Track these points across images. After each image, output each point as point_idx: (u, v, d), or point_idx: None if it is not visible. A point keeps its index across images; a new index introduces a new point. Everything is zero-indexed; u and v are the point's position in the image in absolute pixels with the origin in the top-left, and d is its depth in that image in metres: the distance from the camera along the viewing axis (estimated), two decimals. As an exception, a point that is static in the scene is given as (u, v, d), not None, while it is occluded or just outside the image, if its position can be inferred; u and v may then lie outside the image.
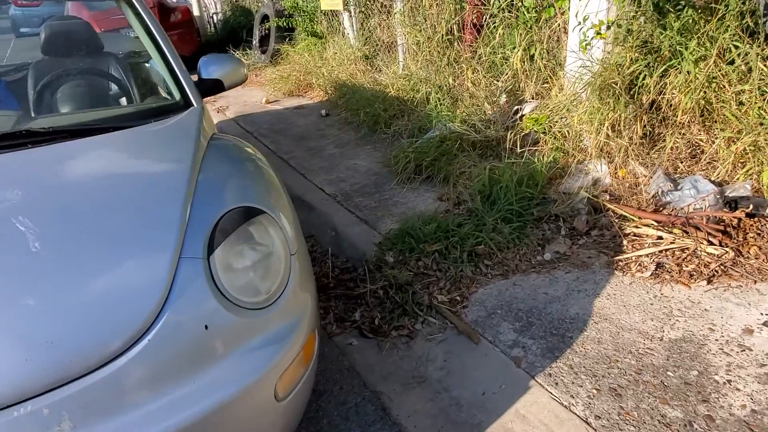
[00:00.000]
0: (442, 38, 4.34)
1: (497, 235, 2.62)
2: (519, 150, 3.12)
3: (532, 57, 3.48)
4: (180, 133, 1.72)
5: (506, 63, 3.70)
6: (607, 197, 2.78)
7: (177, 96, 1.96)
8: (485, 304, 2.29)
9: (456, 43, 4.30)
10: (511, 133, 3.20)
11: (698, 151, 2.88)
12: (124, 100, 2.02)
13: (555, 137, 3.08)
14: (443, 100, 4.03)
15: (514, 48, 3.54)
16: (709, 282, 2.23)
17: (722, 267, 2.28)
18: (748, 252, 2.33)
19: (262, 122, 5.10)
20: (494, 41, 3.74)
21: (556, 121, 3.10)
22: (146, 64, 2.12)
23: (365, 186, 3.39)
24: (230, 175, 1.62)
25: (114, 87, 2.07)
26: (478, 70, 3.97)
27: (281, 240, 1.51)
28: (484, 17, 4.01)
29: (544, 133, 3.12)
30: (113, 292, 1.20)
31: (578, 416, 1.72)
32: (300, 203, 3.36)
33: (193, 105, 1.95)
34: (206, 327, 1.25)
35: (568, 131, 3.03)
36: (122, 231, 1.32)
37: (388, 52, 5.33)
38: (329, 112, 5.08)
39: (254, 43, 7.99)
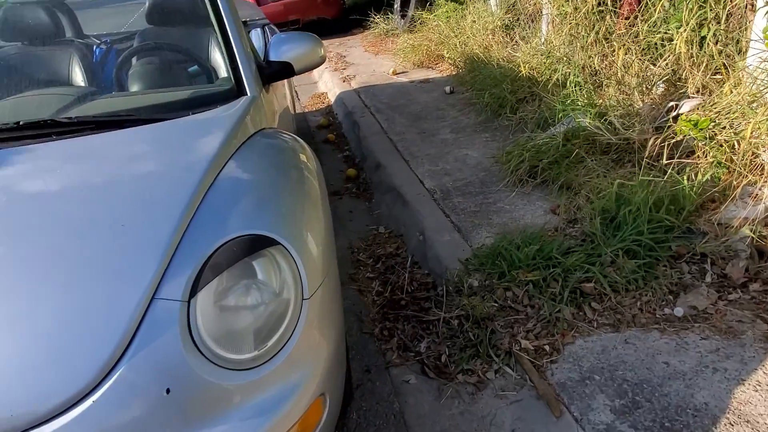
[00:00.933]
0: (593, 9, 3.64)
1: (615, 271, 2.07)
2: (665, 161, 2.46)
3: (702, 39, 2.72)
4: (213, 129, 1.47)
5: (667, 45, 2.96)
6: (782, 239, 2.07)
7: (230, 82, 1.72)
8: (580, 363, 1.80)
9: (609, 16, 3.58)
10: (657, 138, 2.54)
11: None
12: (185, 84, 1.83)
13: (719, 148, 2.37)
14: (584, 85, 3.39)
15: (680, 27, 2.79)
16: None
17: None
18: None
19: (383, 95, 4.81)
20: (655, 16, 3.00)
21: (724, 128, 2.38)
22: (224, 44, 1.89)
23: (469, 184, 2.96)
24: (251, 189, 1.34)
25: (182, 68, 1.88)
26: (631, 50, 3.25)
27: (293, 280, 1.21)
28: (649, -15, 3.24)
29: (703, 141, 2.42)
30: (62, 337, 1.00)
31: None
32: (395, 196, 3.05)
33: (246, 94, 1.70)
34: (167, 391, 1.00)
35: (738, 142, 2.31)
36: (97, 255, 1.11)
37: (531, 23, 4.69)
38: (454, 88, 4.63)
39: (395, 7, 7.68)
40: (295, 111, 3.74)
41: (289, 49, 1.89)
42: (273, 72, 1.87)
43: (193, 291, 1.09)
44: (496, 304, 2.06)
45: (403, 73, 5.51)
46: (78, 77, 1.87)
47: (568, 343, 1.89)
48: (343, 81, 5.53)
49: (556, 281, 2.08)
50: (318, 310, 1.25)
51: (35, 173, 1.29)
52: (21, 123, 1.41)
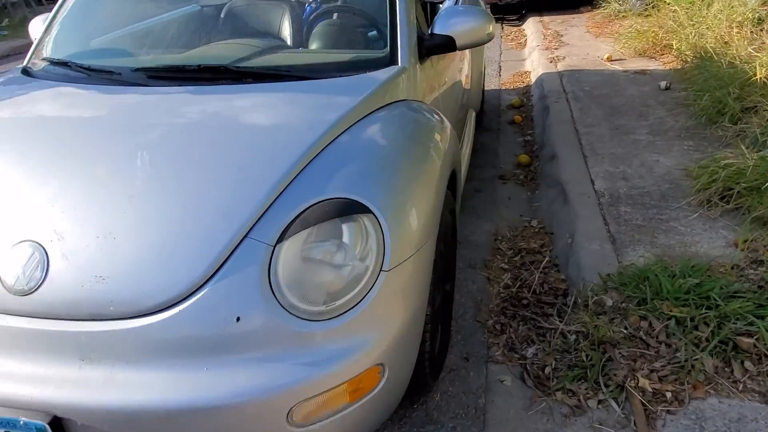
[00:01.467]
0: None
1: (789, 333, 1.69)
2: None
3: None
4: (351, 92, 1.54)
5: None
6: None
7: (385, 50, 1.77)
8: (703, 424, 1.54)
9: None
10: None
11: None
12: (354, 47, 1.93)
13: None
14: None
15: None
16: None
17: None
18: None
19: (587, 82, 4.45)
20: None
21: None
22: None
23: (646, 194, 2.63)
24: (365, 155, 1.39)
25: (354, 32, 1.99)
26: None
27: (377, 250, 1.24)
28: None
29: None
30: (166, 247, 1.18)
31: None
32: (559, 191, 2.85)
33: (397, 63, 1.74)
34: (237, 319, 1.14)
35: None
36: (211, 187, 1.27)
37: (793, 17, 3.85)
38: (671, 84, 4.06)
39: (632, -15, 6.91)
40: (480, 87, 3.68)
41: (455, 23, 1.86)
42: (433, 45, 1.87)
43: (281, 238, 1.20)
44: (625, 331, 1.84)
45: (618, 60, 5.00)
46: (274, 32, 2.09)
47: (698, 397, 1.62)
48: (550, 62, 5.23)
49: (706, 325, 1.78)
50: (396, 284, 1.27)
51: (190, 110, 1.51)
52: (200, 66, 1.67)
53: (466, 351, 1.97)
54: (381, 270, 1.24)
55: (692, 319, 1.80)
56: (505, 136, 3.97)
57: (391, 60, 1.75)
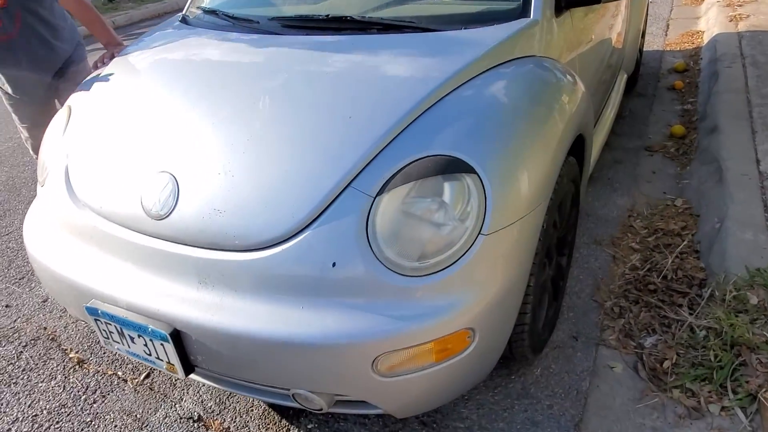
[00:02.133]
0: None
1: None
2: None
3: None
4: (472, 46, 1.47)
5: None
6: None
7: (518, 1, 1.64)
8: None
9: None
10: None
11: None
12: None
13: None
14: None
15: None
16: None
17: None
18: None
19: (774, 46, 3.79)
20: None
21: None
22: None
23: (828, 180, 2.21)
24: (477, 113, 1.32)
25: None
26: None
27: (478, 212, 1.20)
28: None
29: None
30: (278, 188, 1.24)
31: None
32: (715, 169, 2.51)
33: (528, 16, 1.61)
34: (333, 264, 1.18)
35: None
36: (321, 135, 1.30)
37: None
38: None
39: None
40: (637, 47, 3.31)
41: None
42: (576, -6, 1.70)
43: (382, 190, 1.20)
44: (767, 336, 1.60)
45: (822, 19, 4.18)
46: None
47: None
48: (730, 21, 4.53)
49: None
50: (494, 249, 1.22)
51: (313, 59, 1.54)
52: (328, 16, 1.69)
53: (576, 330, 1.86)
54: (480, 233, 1.20)
55: None
56: (661, 104, 3.55)
57: (523, 12, 1.62)
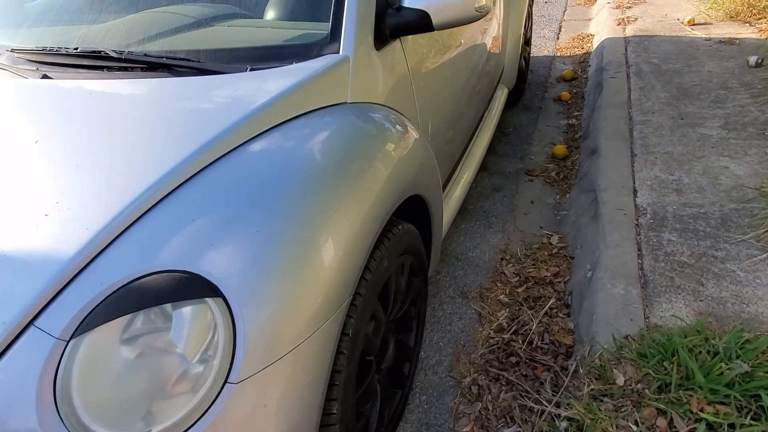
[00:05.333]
0: None
1: None
2: None
3: None
4: (254, 96, 1.10)
5: None
6: None
7: (324, 33, 1.29)
8: None
9: None
10: None
11: None
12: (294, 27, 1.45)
13: None
14: None
15: None
16: None
17: None
18: None
19: (657, 52, 3.70)
20: None
21: None
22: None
23: (703, 216, 2.03)
24: (234, 201, 0.96)
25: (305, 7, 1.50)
26: None
27: (223, 352, 0.85)
28: None
29: None
30: None
31: None
32: (591, 201, 2.30)
33: (336, 51, 1.26)
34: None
35: None
36: (7, 241, 0.90)
37: None
38: (763, 61, 3.27)
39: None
40: (517, 56, 3.07)
41: (432, -7, 1.35)
42: (400, 24, 1.37)
43: (81, 329, 0.82)
44: (634, 429, 1.35)
45: (703, 24, 4.16)
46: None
47: None
48: (618, 24, 4.45)
49: (751, 439, 1.27)
50: (254, 399, 0.87)
51: (19, 123, 1.12)
52: (77, 50, 1.27)
53: (427, 419, 1.56)
54: (226, 381, 0.85)
55: (731, 427, 1.29)
56: (546, 118, 3.36)
57: (329, 47, 1.27)
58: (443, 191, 1.97)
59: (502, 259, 2.17)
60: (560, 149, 2.85)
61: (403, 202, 1.29)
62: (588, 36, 4.72)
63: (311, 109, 1.17)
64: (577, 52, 4.40)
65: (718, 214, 2.04)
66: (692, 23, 4.18)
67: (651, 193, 2.22)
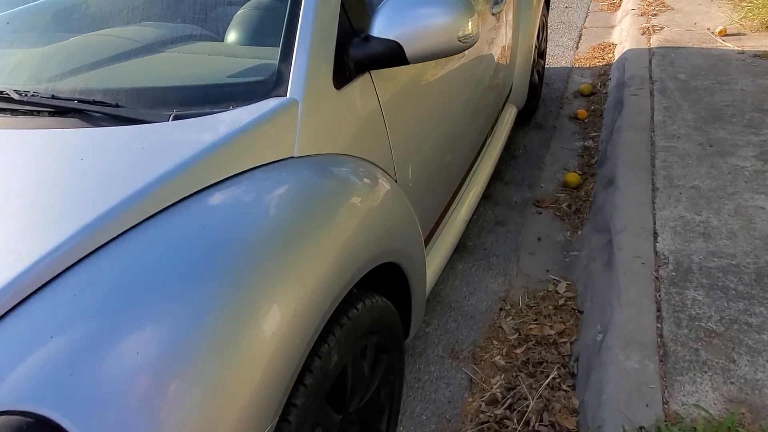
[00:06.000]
0: None
1: None
2: None
3: None
4: (174, 153, 0.88)
5: None
6: None
7: (271, 72, 1.06)
8: None
9: None
10: None
11: None
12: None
13: None
14: None
15: None
16: None
17: None
18: None
19: (685, 66, 3.39)
20: None
21: None
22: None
23: (736, 270, 1.75)
24: (111, 310, 0.73)
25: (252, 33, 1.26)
26: None
27: None
28: None
29: None
30: None
31: None
32: (605, 243, 2.03)
33: (283, 94, 1.03)
34: None
35: None
36: None
37: None
38: (804, 79, 2.95)
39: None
40: (528, 71, 2.80)
41: (405, 20, 1.11)
42: (367, 56, 1.13)
43: None
44: None
45: (736, 35, 3.83)
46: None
47: None
48: (642, 33, 4.13)
49: None
50: None
51: None
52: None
53: None
54: None
55: None
56: (560, 139, 3.08)
57: (275, 88, 1.04)
58: (435, 232, 1.73)
59: (501, 309, 1.92)
60: (573, 177, 2.58)
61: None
62: (610, 45, 4.41)
63: (241, 171, 0.94)
64: (597, 64, 4.10)
65: (753, 268, 1.76)
66: (724, 34, 3.85)
67: (674, 238, 1.94)
